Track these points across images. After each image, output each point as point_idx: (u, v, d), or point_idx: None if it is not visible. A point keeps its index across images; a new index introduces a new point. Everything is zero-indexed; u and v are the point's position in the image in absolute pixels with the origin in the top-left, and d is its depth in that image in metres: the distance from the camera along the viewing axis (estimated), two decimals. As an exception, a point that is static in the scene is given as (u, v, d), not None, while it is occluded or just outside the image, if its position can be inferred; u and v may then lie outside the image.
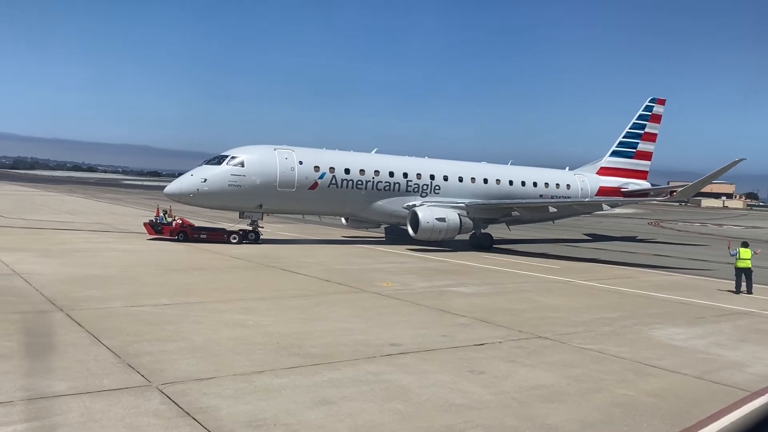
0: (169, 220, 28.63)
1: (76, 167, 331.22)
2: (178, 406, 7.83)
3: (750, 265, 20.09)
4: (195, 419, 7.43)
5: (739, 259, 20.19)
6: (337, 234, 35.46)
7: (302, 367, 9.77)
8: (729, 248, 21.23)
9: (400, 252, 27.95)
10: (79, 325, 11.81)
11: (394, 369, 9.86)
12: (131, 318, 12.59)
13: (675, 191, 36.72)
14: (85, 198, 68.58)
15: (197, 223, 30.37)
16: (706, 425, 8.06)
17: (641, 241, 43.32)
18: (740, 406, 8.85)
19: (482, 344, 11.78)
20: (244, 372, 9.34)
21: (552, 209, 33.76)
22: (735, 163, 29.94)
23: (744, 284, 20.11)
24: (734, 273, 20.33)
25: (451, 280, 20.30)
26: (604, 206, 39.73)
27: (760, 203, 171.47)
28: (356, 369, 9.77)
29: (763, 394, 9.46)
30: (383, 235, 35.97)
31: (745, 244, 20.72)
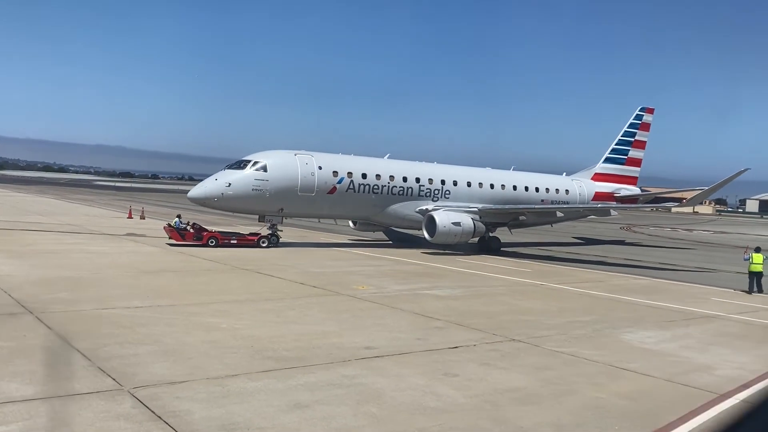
0: (183, 224, 28.17)
1: (47, 168, 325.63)
2: (150, 410, 7.74)
3: (762, 270, 21.92)
4: (167, 423, 7.36)
5: (753, 263, 21.99)
6: (341, 238, 35.59)
7: (276, 370, 9.73)
8: (745, 253, 22.80)
9: (375, 255, 27.95)
10: (49, 327, 11.62)
11: (369, 372, 9.87)
12: (102, 320, 12.42)
13: (685, 198, 38.43)
14: (56, 199, 67.44)
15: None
16: (676, 427, 8.21)
17: (631, 245, 44.54)
18: (708, 408, 9.04)
19: (457, 347, 11.83)
20: (217, 375, 9.27)
21: (560, 214, 35.34)
22: (740, 172, 31.36)
23: (756, 285, 21.93)
24: (748, 276, 22.14)
25: (426, 283, 20.36)
26: (612, 211, 41.45)
27: (729, 209, 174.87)
28: (331, 372, 9.75)
29: (730, 396, 9.66)
30: (387, 238, 36.45)
31: (758, 250, 22.58)
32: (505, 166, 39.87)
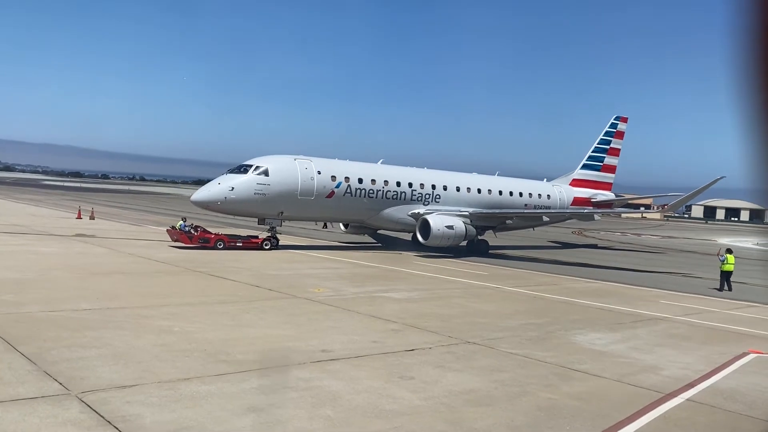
0: (188, 227, 28.58)
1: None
2: (99, 414, 7.53)
3: (732, 269, 24.25)
4: (117, 428, 7.17)
5: (727, 263, 24.15)
6: (333, 242, 35.98)
7: (230, 374, 9.59)
8: (719, 255, 24.91)
9: (332, 257, 27.88)
10: (-8, 331, 11.20)
11: (325, 375, 9.82)
12: (49, 323, 12.05)
13: (665, 205, 40.83)
14: (1, 198, 65.19)
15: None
16: (623, 426, 8.41)
17: (604, 248, 46.49)
18: (655, 408, 9.29)
19: (413, 350, 11.88)
20: (169, 379, 9.08)
21: (546, 218, 37.64)
22: (716, 180, 33.30)
23: (726, 284, 24.25)
24: (720, 275, 24.57)
25: (383, 285, 20.39)
26: (595, 216, 44.11)
27: (676, 214, 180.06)
28: (286, 376, 9.67)
29: (675, 396, 9.95)
30: (375, 241, 37.24)
31: (729, 251, 24.62)
32: (489, 171, 41.58)
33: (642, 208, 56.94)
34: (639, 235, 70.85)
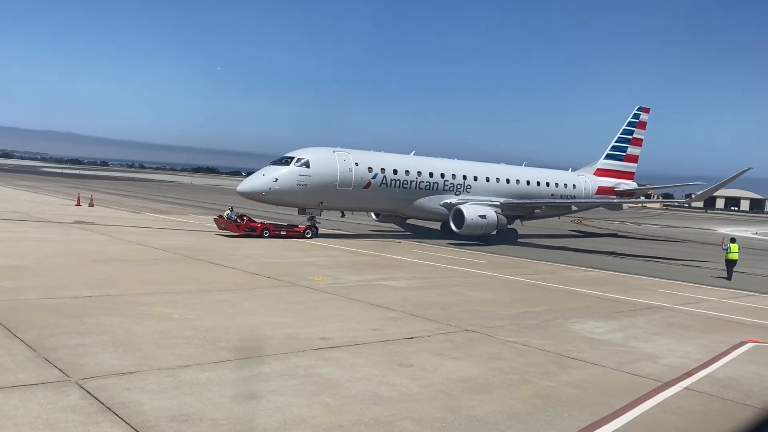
0: (234, 217, 29.52)
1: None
2: (99, 401, 7.56)
3: (737, 258, 24.83)
4: (117, 414, 7.20)
5: (731, 252, 24.74)
6: (363, 230, 36.83)
7: (230, 361, 9.63)
8: (722, 244, 25.71)
9: (331, 246, 27.89)
10: (-8, 318, 11.22)
11: (324, 363, 9.85)
12: (49, 310, 12.07)
13: (693, 195, 41.77)
14: (0, 185, 65.10)
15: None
16: (621, 414, 8.45)
17: (624, 237, 47.71)
18: (653, 396, 9.34)
19: (412, 338, 11.91)
20: (168, 366, 9.12)
21: (574, 207, 39.03)
22: (743, 171, 34.59)
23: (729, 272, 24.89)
24: (725, 264, 25.08)
25: (382, 274, 20.42)
26: (624, 206, 45.07)
27: (675, 203, 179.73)
28: (285, 363, 9.70)
29: (673, 385, 10.00)
30: (404, 230, 38.01)
31: (733, 240, 25.14)
32: (516, 162, 42.44)
33: (642, 197, 57.18)
34: (639, 224, 70.86)
